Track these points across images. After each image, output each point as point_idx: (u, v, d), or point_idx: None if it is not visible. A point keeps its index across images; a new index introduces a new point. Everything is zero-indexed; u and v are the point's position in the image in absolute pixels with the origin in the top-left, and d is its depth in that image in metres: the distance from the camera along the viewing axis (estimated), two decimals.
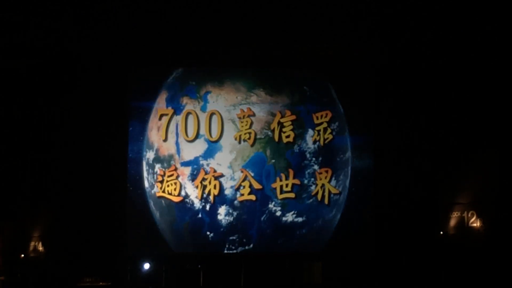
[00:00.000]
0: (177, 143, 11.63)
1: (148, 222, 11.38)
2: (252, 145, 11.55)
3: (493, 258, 10.32)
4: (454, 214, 11.07)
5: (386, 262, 10.96)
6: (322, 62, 12.04)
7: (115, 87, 11.48)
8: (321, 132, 11.65)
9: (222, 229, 11.56)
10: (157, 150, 11.60)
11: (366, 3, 10.77)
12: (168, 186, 11.36)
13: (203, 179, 11.38)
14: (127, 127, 11.56)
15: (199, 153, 11.62)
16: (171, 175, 11.38)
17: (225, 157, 11.61)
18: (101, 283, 11.30)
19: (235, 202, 11.58)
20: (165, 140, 11.49)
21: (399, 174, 11.18)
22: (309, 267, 11.61)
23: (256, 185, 11.42)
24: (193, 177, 11.55)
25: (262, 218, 11.62)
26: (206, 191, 11.39)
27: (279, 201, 11.62)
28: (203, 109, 11.69)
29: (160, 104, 11.68)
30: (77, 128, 11.50)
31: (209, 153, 11.65)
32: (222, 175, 11.44)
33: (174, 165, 11.41)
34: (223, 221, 11.55)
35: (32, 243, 11.69)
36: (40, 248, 11.65)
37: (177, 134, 11.65)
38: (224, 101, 11.76)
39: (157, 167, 11.53)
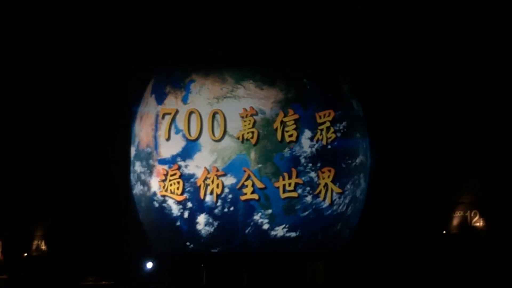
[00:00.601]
0: (155, 138, 11.43)
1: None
2: (255, 145, 11.39)
3: (496, 257, 10.35)
4: (456, 213, 11.10)
5: (389, 261, 10.98)
6: (333, 50, 11.47)
7: (116, 84, 11.45)
8: (324, 132, 11.43)
9: (202, 240, 11.25)
10: (137, 145, 11.41)
11: (365, 2, 10.78)
12: (171, 185, 11.27)
13: (206, 178, 11.29)
14: (130, 125, 11.46)
15: (177, 150, 11.40)
16: (174, 174, 11.29)
17: (204, 158, 11.36)
18: (103, 282, 11.31)
19: (216, 211, 11.27)
20: (168, 139, 11.37)
21: (401, 173, 11.19)
22: (312, 267, 11.50)
23: (259, 184, 11.30)
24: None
25: (246, 231, 11.29)
26: (209, 190, 11.27)
27: (266, 212, 11.26)
28: (184, 100, 11.44)
29: (147, 91, 11.48)
30: (79, 127, 11.47)
31: (187, 152, 11.35)
32: (225, 174, 11.33)
33: (177, 164, 11.30)
34: (203, 231, 11.26)
35: (35, 242, 11.67)
36: (43, 247, 11.62)
37: (156, 127, 11.42)
38: (207, 93, 11.47)
39: (137, 164, 11.34)
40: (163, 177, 11.31)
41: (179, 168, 11.32)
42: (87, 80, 11.50)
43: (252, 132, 11.42)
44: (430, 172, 11.13)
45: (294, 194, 11.34)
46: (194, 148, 11.39)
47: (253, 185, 11.32)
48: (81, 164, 11.39)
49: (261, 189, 11.34)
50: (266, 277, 11.26)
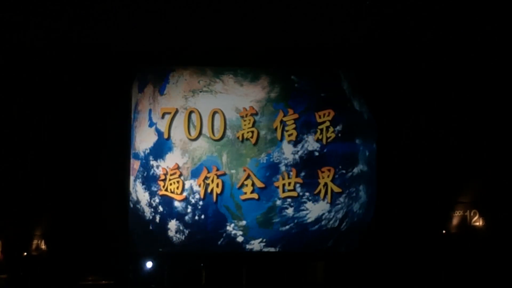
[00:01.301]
0: (131, 128, 11.29)
1: (151, 221, 11.14)
2: (255, 144, 11.21)
3: (496, 257, 10.38)
4: (456, 213, 11.08)
5: (389, 261, 10.96)
6: (333, 47, 11.00)
7: (115, 81, 11.44)
8: (324, 131, 11.20)
9: (173, 248, 11.02)
10: None
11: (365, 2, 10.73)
12: (170, 184, 11.18)
13: (206, 178, 11.19)
14: (130, 123, 11.37)
15: (149, 145, 11.16)
16: (174, 174, 11.22)
17: (176, 159, 11.13)
18: (103, 282, 11.32)
19: (186, 218, 11.05)
20: (168, 138, 11.27)
21: (401, 173, 11.14)
22: (312, 266, 11.46)
23: (259, 184, 11.16)
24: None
25: (219, 243, 11.01)
26: (209, 189, 11.14)
27: (239, 223, 10.93)
28: (161, 91, 11.20)
29: (135, 81, 11.33)
30: (79, 126, 11.45)
31: (158, 151, 11.10)
32: (225, 174, 11.22)
33: (177, 164, 11.22)
34: (174, 238, 11.01)
35: (35, 242, 11.66)
36: (43, 246, 11.62)
37: (134, 116, 11.19)
38: (184, 85, 11.16)
39: None
40: (163, 177, 11.22)
41: (178, 167, 11.24)
42: (86, 79, 11.46)
43: (252, 132, 11.23)
44: (429, 172, 11.10)
45: (294, 194, 11.14)
46: (165, 146, 11.17)
47: (252, 184, 11.17)
48: (81, 164, 11.36)
49: (260, 188, 11.17)
50: (266, 277, 11.22)
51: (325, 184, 11.21)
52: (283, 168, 11.07)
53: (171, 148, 11.19)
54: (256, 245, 10.96)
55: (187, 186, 11.13)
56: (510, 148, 10.76)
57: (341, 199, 11.05)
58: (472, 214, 10.95)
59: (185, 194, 11.21)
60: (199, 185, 11.22)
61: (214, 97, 11.20)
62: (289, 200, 11.07)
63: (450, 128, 11.16)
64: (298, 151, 11.14)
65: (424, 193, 11.06)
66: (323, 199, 11.16)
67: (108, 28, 11.01)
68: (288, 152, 11.15)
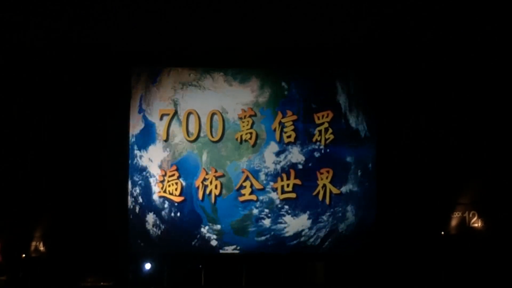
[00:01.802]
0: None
1: (131, 211, 11.09)
2: (253, 146, 11.12)
3: (495, 258, 10.33)
4: (455, 214, 11.01)
5: (387, 262, 10.91)
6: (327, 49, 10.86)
7: (115, 81, 11.44)
8: (322, 132, 11.10)
9: (151, 242, 10.96)
10: None
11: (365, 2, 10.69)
12: (169, 186, 11.13)
13: (204, 179, 11.16)
14: (129, 122, 11.34)
15: (136, 131, 11.11)
16: (172, 175, 11.18)
17: (158, 152, 11.06)
18: (102, 283, 11.30)
19: (163, 213, 10.97)
20: (166, 140, 11.23)
21: (399, 173, 11.09)
22: (312, 267, 11.38)
23: (258, 185, 11.08)
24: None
25: (193, 243, 10.94)
26: (208, 191, 11.09)
27: (213, 227, 10.81)
28: (154, 80, 11.11)
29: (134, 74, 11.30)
30: (79, 126, 11.44)
31: (143, 141, 11.01)
32: (223, 175, 11.17)
33: (175, 165, 11.22)
34: (151, 231, 10.96)
35: (33, 243, 11.65)
36: (41, 248, 11.61)
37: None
38: (175, 75, 11.07)
39: None
40: (162, 178, 11.19)
41: (177, 169, 11.20)
42: (86, 79, 11.46)
43: (251, 133, 11.15)
44: (429, 173, 11.04)
45: (292, 195, 11.04)
46: (149, 136, 11.10)
47: (251, 186, 11.09)
48: (81, 164, 11.36)
49: (259, 190, 11.09)
50: (266, 277, 11.17)
51: (324, 186, 11.11)
52: (262, 177, 10.93)
53: (154, 140, 11.13)
54: (230, 251, 10.84)
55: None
56: (510, 149, 10.70)
57: (324, 218, 10.87)
58: (471, 215, 10.89)
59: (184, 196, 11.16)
60: (198, 187, 11.16)
61: (201, 93, 11.12)
62: (266, 210, 10.92)
63: (450, 128, 11.11)
64: (280, 162, 10.98)
65: (424, 194, 11.00)
66: (322, 201, 11.04)
67: (107, 28, 11.04)
68: (269, 161, 11.00)
